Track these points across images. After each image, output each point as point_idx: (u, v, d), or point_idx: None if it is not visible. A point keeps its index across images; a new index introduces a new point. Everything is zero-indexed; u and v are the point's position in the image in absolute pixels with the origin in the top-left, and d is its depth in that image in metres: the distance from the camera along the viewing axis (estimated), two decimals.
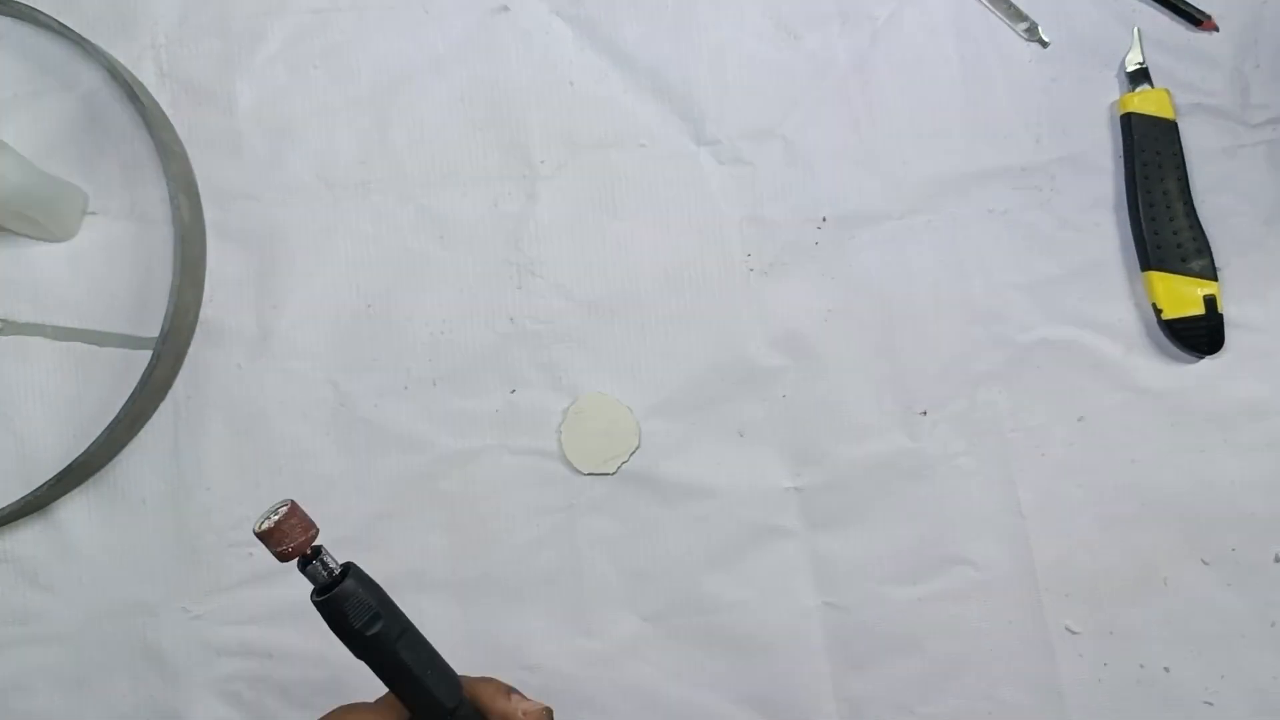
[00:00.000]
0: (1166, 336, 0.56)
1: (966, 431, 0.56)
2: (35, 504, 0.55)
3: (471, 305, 0.58)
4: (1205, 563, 0.55)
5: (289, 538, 0.38)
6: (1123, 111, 0.58)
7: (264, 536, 0.38)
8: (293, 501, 0.39)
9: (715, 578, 0.56)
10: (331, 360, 0.58)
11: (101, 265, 0.58)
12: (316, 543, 0.39)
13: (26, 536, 0.56)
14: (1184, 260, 0.56)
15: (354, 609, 0.39)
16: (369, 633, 0.39)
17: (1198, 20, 0.58)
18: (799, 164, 0.58)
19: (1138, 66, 0.58)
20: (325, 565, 0.39)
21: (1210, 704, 0.54)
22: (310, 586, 0.39)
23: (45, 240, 0.58)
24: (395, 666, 0.41)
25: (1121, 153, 0.58)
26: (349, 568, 0.40)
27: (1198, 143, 0.58)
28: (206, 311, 0.58)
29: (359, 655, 0.40)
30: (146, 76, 0.59)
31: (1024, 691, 0.54)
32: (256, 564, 0.55)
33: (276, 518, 0.38)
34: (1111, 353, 0.57)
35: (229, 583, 0.56)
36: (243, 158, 0.59)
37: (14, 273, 0.58)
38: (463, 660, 0.55)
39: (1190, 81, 0.58)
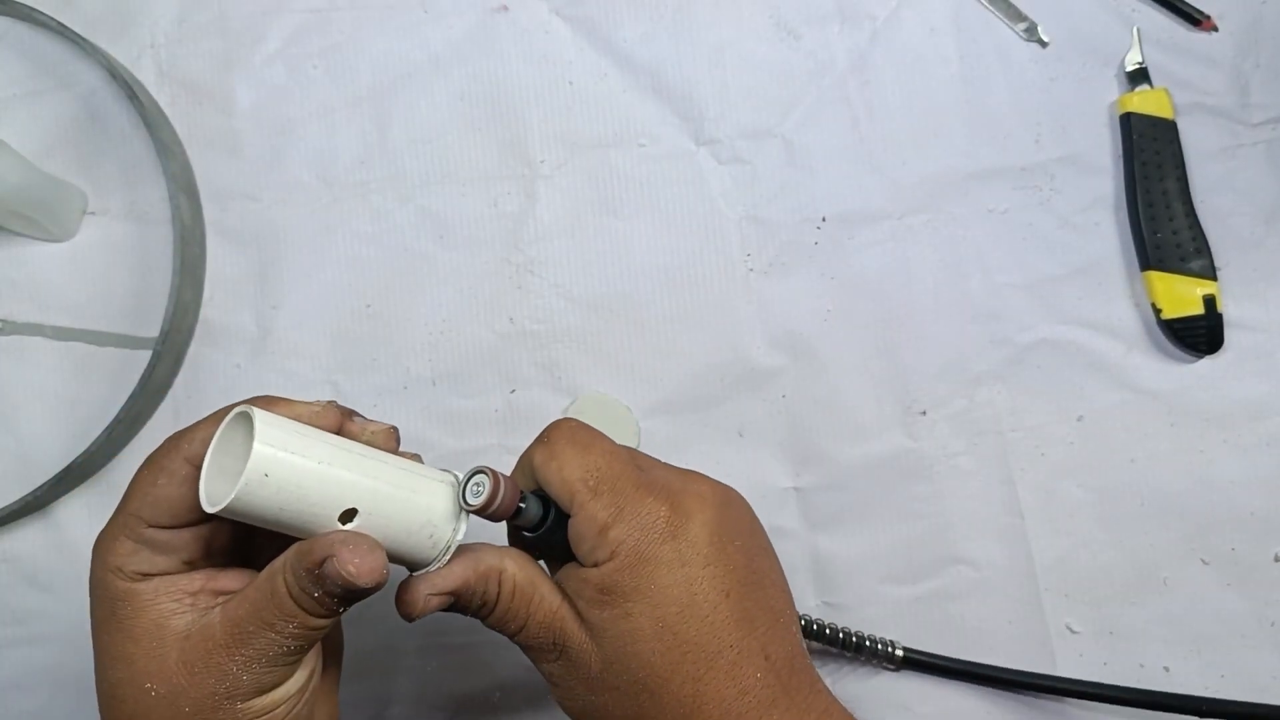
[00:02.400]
0: (1166, 336, 0.56)
1: (966, 431, 0.56)
2: (35, 504, 0.55)
3: (471, 305, 0.58)
4: (1205, 563, 0.55)
5: (503, 503, 0.39)
6: (1122, 111, 0.57)
7: (481, 512, 0.39)
8: (488, 469, 0.39)
9: None
10: (331, 360, 0.58)
11: (101, 265, 0.58)
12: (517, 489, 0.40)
13: (26, 536, 0.56)
14: (1183, 260, 0.56)
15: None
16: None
17: (1197, 20, 0.58)
18: (798, 164, 0.58)
19: (1137, 66, 0.58)
20: (532, 505, 0.41)
21: None
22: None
23: (45, 240, 0.58)
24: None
25: (1121, 153, 0.58)
26: (522, 493, 0.41)
27: (1197, 142, 0.58)
28: (206, 311, 0.58)
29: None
30: (145, 76, 0.59)
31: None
32: None
33: (484, 492, 0.39)
34: (1111, 352, 0.57)
35: None
36: (242, 157, 0.59)
37: (13, 273, 0.58)
38: (463, 659, 0.55)
39: (1189, 81, 0.58)
